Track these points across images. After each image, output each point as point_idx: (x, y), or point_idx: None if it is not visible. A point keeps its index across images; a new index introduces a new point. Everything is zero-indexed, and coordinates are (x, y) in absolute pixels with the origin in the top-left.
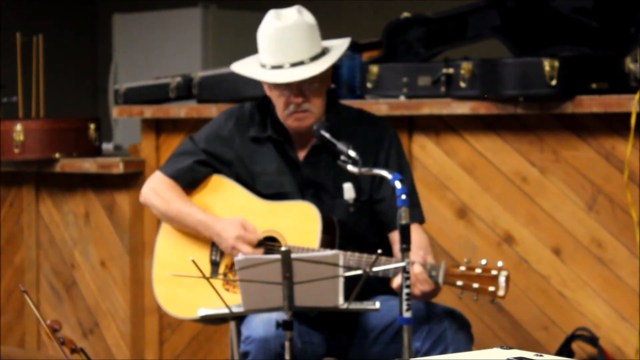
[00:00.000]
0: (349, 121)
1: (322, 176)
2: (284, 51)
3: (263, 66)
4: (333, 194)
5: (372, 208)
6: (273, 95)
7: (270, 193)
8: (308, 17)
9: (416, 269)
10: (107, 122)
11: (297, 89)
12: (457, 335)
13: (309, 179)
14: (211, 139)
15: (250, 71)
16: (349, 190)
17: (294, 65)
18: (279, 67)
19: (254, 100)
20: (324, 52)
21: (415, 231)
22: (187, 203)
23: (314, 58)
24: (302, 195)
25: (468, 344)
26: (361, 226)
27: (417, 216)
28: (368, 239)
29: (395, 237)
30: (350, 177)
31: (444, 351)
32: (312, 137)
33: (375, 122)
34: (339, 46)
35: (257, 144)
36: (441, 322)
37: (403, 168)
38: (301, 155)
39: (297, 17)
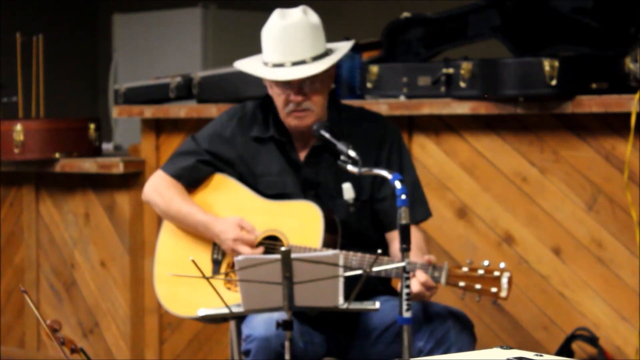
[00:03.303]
0: (350, 120)
1: (323, 177)
2: (286, 50)
3: (265, 64)
4: (334, 194)
5: (372, 207)
6: (274, 93)
7: (272, 193)
8: (313, 18)
9: (421, 278)
10: (107, 122)
11: (298, 87)
12: (460, 335)
13: (310, 180)
14: (213, 139)
15: (252, 68)
16: (348, 191)
17: (295, 64)
18: (280, 65)
19: (254, 100)
20: (327, 53)
21: (413, 231)
22: (188, 203)
23: (316, 58)
24: (304, 196)
25: (471, 343)
26: (362, 226)
27: (423, 212)
28: (369, 238)
29: (392, 236)
30: (351, 177)
31: (447, 351)
32: (313, 138)
33: (376, 120)
34: (341, 48)
35: (259, 143)
36: (445, 322)
37: (406, 165)
38: (302, 155)
39: (301, 17)
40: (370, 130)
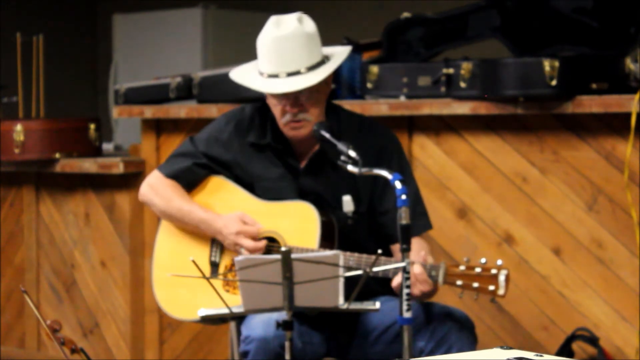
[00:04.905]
0: (350, 128)
1: (322, 187)
2: (281, 61)
3: (261, 74)
4: (332, 205)
5: (374, 220)
6: (271, 103)
7: (269, 198)
8: (308, 26)
9: (416, 270)
10: (107, 122)
11: (294, 98)
12: (461, 335)
13: (308, 188)
14: (211, 142)
15: (247, 80)
16: (348, 203)
17: (290, 74)
18: (275, 76)
19: (254, 101)
20: (323, 60)
21: (415, 240)
22: (188, 201)
23: (311, 68)
24: None
25: (472, 344)
26: (359, 237)
27: (424, 225)
28: (366, 248)
29: (397, 247)
30: (349, 188)
31: (447, 351)
32: (312, 145)
33: (377, 131)
34: (338, 55)
35: (256, 149)
36: (445, 322)
37: (407, 177)
38: (302, 163)
39: (295, 26)
40: (370, 140)
